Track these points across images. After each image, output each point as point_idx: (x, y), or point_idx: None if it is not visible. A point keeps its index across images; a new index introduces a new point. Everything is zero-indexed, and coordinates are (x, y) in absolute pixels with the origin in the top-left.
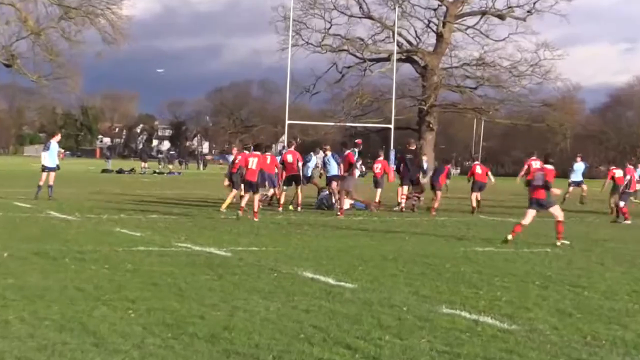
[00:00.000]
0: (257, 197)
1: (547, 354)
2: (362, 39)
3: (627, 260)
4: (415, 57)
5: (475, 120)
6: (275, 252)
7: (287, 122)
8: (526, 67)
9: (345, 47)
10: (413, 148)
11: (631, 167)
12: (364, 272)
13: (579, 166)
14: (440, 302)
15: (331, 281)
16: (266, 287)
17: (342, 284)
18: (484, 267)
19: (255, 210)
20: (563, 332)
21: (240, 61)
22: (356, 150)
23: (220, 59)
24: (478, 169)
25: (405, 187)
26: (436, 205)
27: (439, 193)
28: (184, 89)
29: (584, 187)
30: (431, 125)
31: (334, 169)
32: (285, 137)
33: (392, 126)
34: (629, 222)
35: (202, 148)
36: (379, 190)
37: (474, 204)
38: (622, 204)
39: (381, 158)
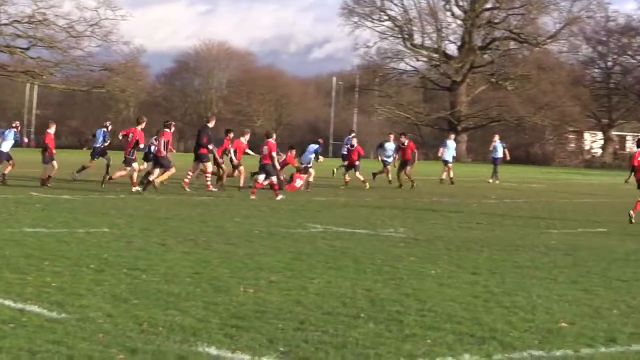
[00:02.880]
0: None
1: (98, 344)
2: None
3: (190, 239)
4: None
5: (28, 85)
6: None
7: None
8: (85, 27)
9: None
10: (211, 125)
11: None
12: None
13: (390, 145)
14: None
15: None
16: None
17: None
18: (33, 249)
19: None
20: (118, 320)
21: None
22: None
23: None
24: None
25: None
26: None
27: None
28: None
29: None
30: None
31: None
32: None
33: None
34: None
35: None
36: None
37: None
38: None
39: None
